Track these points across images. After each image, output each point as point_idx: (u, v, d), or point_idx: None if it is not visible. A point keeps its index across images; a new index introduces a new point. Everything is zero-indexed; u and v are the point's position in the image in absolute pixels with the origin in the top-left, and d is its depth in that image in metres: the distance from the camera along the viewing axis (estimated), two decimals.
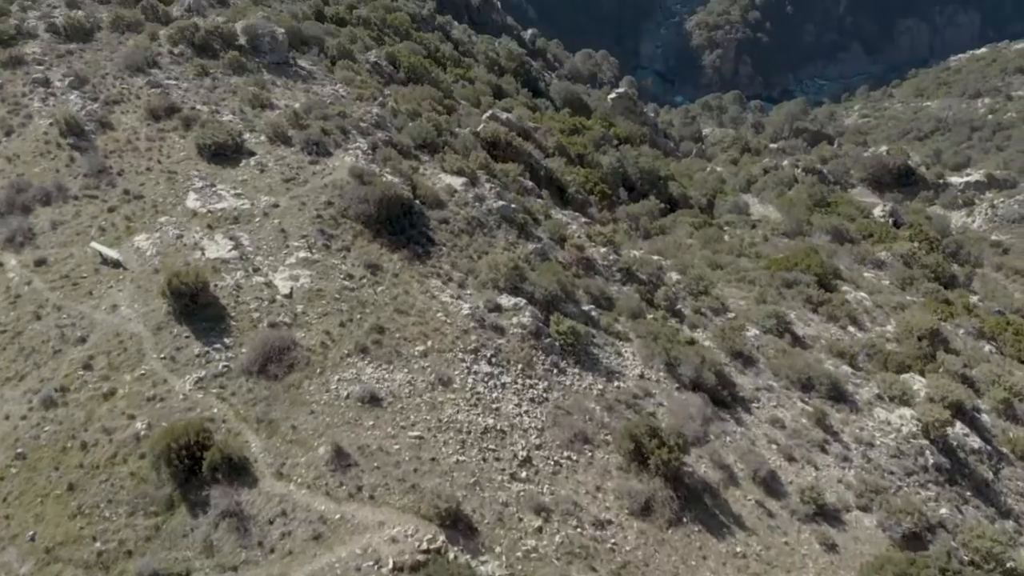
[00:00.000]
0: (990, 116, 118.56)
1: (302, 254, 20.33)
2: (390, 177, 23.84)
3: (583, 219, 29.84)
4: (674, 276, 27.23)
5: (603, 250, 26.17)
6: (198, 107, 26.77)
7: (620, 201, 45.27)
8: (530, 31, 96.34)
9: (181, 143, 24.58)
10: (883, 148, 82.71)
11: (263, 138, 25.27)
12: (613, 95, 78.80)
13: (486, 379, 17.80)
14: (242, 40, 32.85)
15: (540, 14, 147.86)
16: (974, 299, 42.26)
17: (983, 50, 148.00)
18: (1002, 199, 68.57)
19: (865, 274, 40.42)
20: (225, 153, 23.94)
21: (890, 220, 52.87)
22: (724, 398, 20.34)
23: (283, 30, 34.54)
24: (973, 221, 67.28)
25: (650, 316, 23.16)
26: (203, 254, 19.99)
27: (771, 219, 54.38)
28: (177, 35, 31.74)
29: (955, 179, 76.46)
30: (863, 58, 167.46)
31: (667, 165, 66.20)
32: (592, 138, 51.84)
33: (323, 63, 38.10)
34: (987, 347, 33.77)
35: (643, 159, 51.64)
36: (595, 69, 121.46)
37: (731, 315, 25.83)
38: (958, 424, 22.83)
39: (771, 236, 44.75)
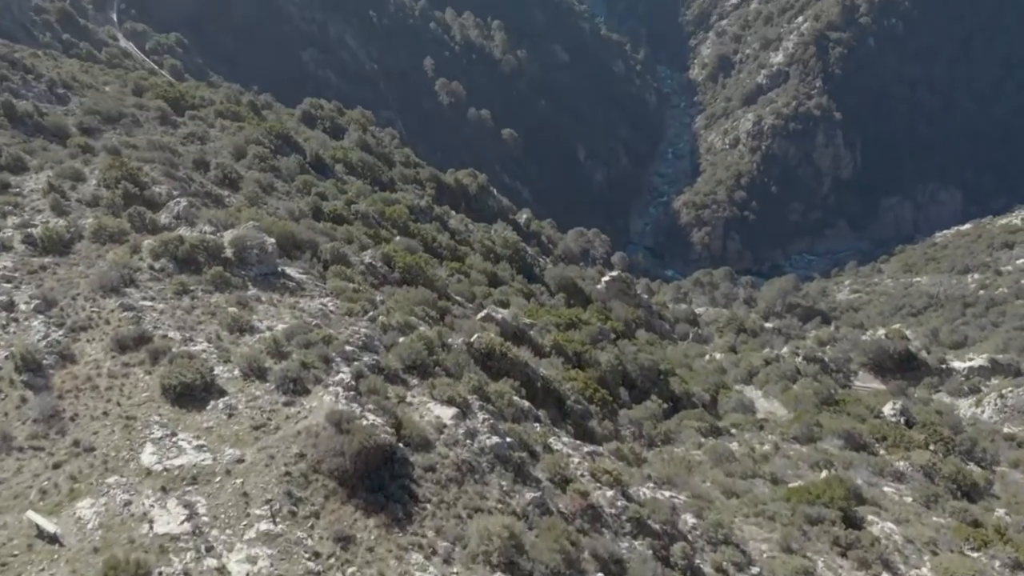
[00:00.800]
0: (981, 292, 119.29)
1: (264, 525, 17.71)
2: (372, 418, 21.62)
3: (586, 448, 27.44)
4: (690, 520, 24.53)
5: (610, 493, 23.62)
6: (170, 334, 24.95)
7: (621, 403, 43.25)
8: (524, 215, 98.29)
9: (146, 381, 22.51)
10: (881, 331, 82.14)
11: (237, 372, 23.26)
12: (607, 278, 78.84)
13: None
14: (229, 252, 31.71)
15: (534, 195, 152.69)
16: (1000, 512, 39.91)
17: (968, 226, 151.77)
18: (1010, 388, 66.92)
19: (885, 488, 38.03)
20: (192, 394, 21.81)
21: (901, 419, 50.96)
22: None
23: (273, 240, 33.55)
24: (983, 412, 65.30)
25: None
26: (151, 528, 17.35)
27: (777, 416, 52.46)
28: (160, 248, 30.57)
29: (958, 364, 75.42)
30: (850, 234, 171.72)
31: (665, 351, 64.88)
32: (589, 333, 50.56)
33: (315, 268, 37.07)
34: None
35: (642, 355, 50.11)
36: (587, 246, 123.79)
37: (755, 570, 22.93)
38: None
39: (782, 443, 42.56)
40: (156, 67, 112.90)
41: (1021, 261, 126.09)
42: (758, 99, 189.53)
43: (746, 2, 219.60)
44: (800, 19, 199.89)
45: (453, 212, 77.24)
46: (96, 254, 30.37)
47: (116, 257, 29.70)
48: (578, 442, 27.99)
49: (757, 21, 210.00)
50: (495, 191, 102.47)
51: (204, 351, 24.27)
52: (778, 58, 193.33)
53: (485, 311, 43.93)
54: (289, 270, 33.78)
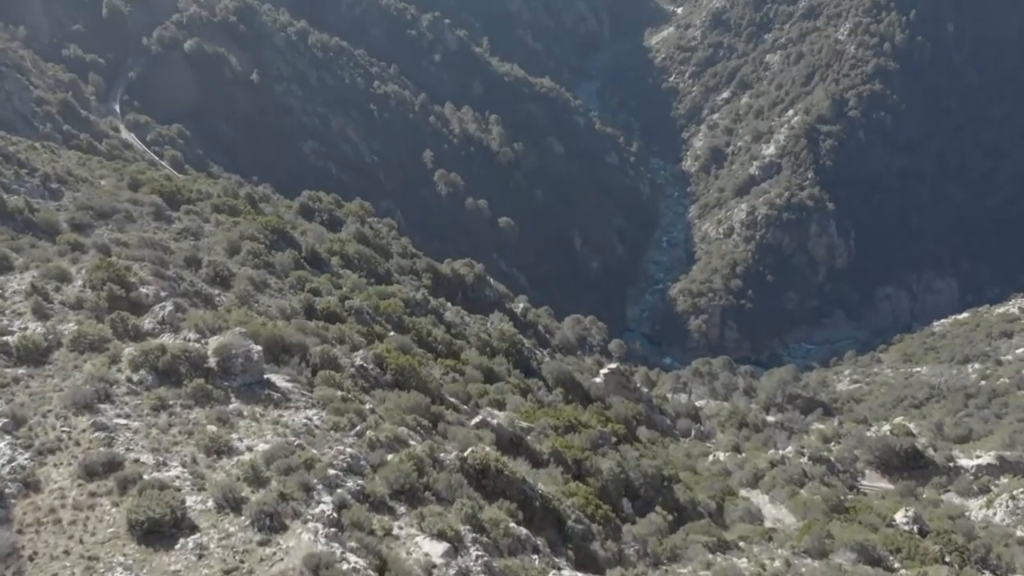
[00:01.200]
0: (983, 382, 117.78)
1: None
2: (354, 560, 19.87)
3: None
4: None
5: None
6: (143, 458, 23.37)
7: (624, 517, 41.15)
8: (521, 305, 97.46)
9: (112, 514, 20.82)
10: (886, 427, 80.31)
11: (211, 504, 21.58)
12: (605, 370, 77.19)
13: None
14: (212, 362, 30.37)
15: (531, 281, 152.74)
16: None
17: (965, 315, 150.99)
18: (1021, 489, 64.81)
19: None
20: (161, 530, 20.11)
21: (915, 528, 48.93)
22: None
23: (259, 348, 32.23)
24: (994, 514, 63.06)
25: None
26: None
27: (786, 524, 50.30)
28: (140, 359, 29.23)
29: (965, 461, 73.45)
30: (846, 323, 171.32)
31: (667, 452, 62.94)
32: (590, 437, 48.73)
33: (303, 374, 35.65)
34: None
35: (645, 461, 48.21)
36: (584, 333, 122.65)
37: None
38: None
39: (792, 559, 40.37)
40: (156, 158, 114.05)
41: (1021, 351, 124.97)
42: (751, 190, 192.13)
43: (737, 96, 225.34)
44: (790, 112, 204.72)
45: (449, 304, 76.26)
46: (73, 364, 29.01)
47: (92, 369, 28.29)
48: (580, 574, 26.09)
49: (748, 115, 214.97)
50: (491, 280, 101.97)
51: (178, 477, 22.64)
52: (770, 150, 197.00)
53: (480, 416, 42.38)
54: (275, 378, 32.38)
